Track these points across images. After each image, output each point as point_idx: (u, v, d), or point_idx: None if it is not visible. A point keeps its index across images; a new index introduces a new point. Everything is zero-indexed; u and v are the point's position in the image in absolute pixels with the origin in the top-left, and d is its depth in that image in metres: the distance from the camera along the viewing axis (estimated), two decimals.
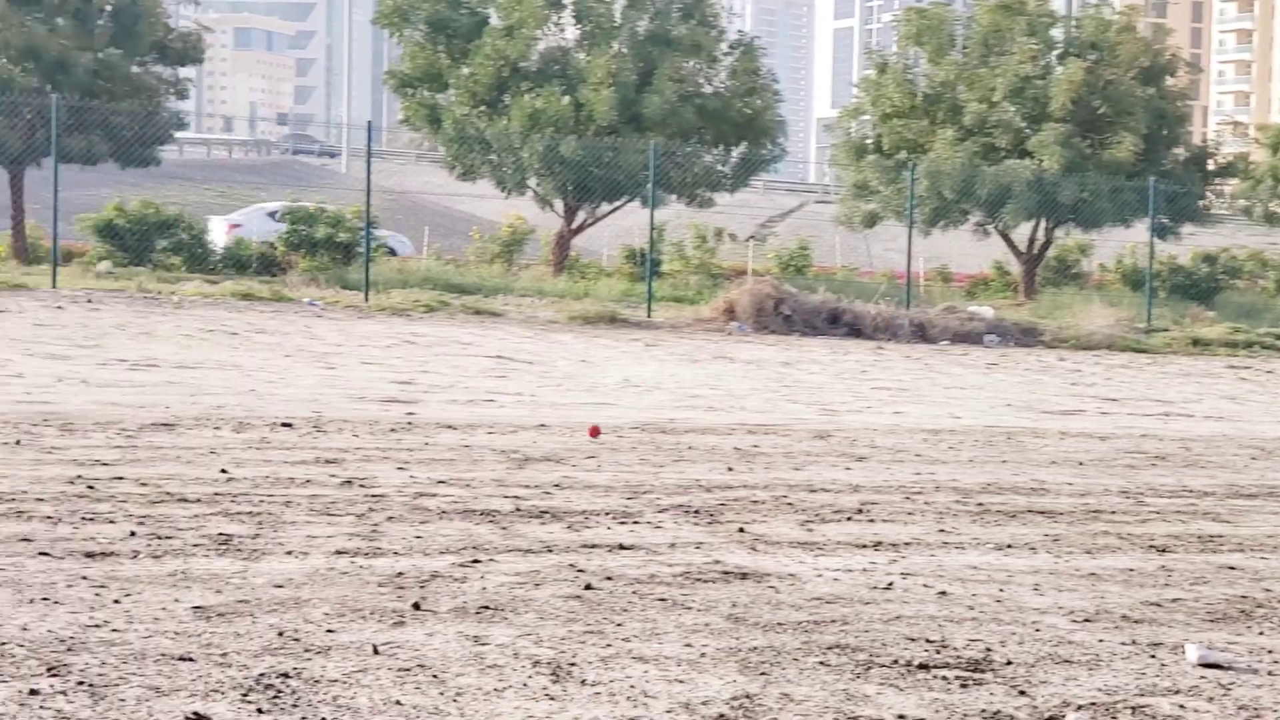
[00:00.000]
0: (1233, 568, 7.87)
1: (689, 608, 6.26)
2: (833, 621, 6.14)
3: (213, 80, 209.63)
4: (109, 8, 35.63)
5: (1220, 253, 43.08)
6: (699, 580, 6.83)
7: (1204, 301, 39.24)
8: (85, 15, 35.22)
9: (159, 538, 7.17)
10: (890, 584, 6.96)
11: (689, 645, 5.63)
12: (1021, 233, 40.89)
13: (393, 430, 12.00)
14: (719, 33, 39.02)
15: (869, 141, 40.99)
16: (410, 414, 13.23)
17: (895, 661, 5.55)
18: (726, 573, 7.03)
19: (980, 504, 9.61)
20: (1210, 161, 42.35)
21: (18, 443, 10.16)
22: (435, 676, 5.06)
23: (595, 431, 12.15)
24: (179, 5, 40.45)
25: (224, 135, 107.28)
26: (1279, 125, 48.83)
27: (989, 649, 5.82)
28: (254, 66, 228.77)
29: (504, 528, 7.89)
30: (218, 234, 42.31)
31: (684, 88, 37.41)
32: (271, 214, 41.62)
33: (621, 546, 7.54)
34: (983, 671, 5.48)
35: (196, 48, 37.62)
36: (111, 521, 7.52)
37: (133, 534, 7.22)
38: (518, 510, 8.45)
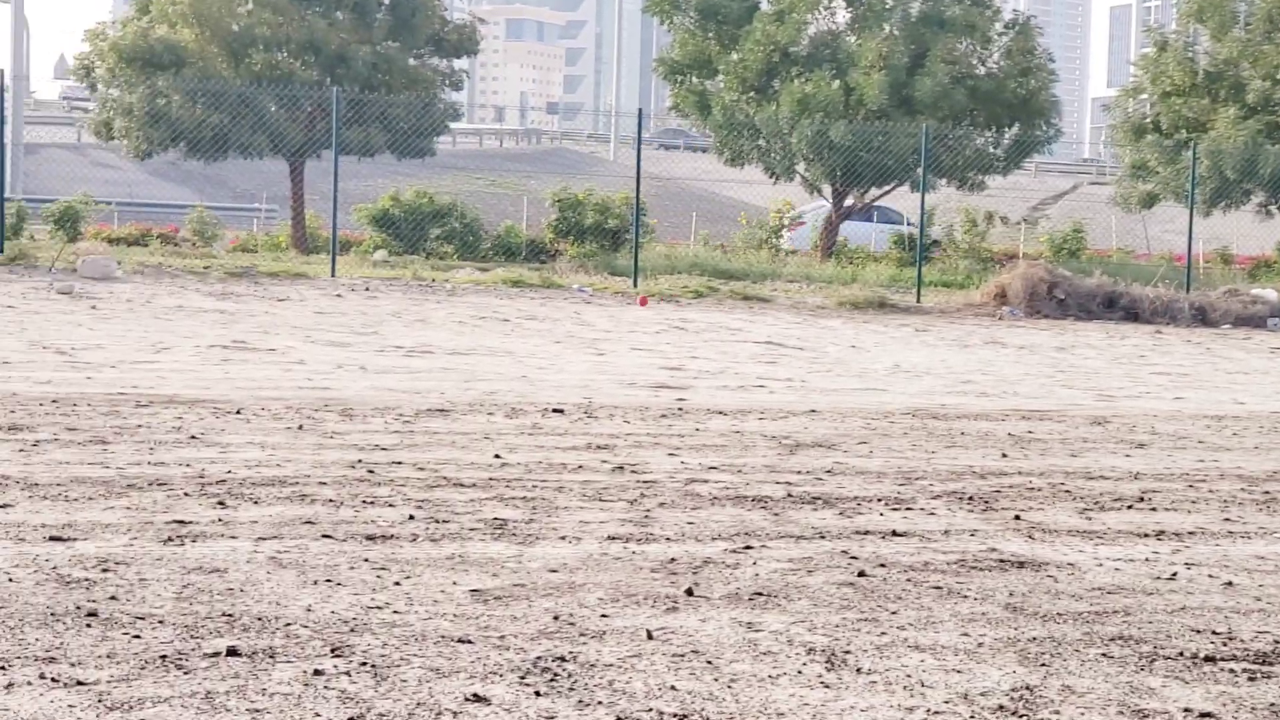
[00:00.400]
0: None
1: (965, 596, 6.16)
2: (1114, 612, 5.99)
3: (485, 71, 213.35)
4: (387, 1, 36.40)
5: None
6: (974, 568, 6.72)
7: None
8: (364, 9, 36.02)
9: (437, 521, 7.29)
10: (1174, 574, 6.77)
11: (966, 635, 5.53)
12: None
13: (663, 416, 12.04)
14: (994, 12, 38.46)
15: (1148, 121, 40.06)
16: (680, 400, 13.26)
17: (1180, 654, 5.40)
18: (1003, 561, 6.91)
19: (1267, 492, 9.31)
20: None
21: (300, 428, 10.43)
22: (709, 663, 5.05)
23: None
24: None
25: (495, 125, 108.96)
26: None
27: (1277, 641, 5.62)
28: (525, 57, 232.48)
29: (776, 514, 7.86)
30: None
31: (956, 69, 36.94)
32: None
33: (894, 533, 7.46)
34: (1272, 664, 5.30)
35: (471, 40, 38.19)
36: (391, 505, 7.66)
37: (411, 517, 7.35)
38: (789, 496, 8.41)
